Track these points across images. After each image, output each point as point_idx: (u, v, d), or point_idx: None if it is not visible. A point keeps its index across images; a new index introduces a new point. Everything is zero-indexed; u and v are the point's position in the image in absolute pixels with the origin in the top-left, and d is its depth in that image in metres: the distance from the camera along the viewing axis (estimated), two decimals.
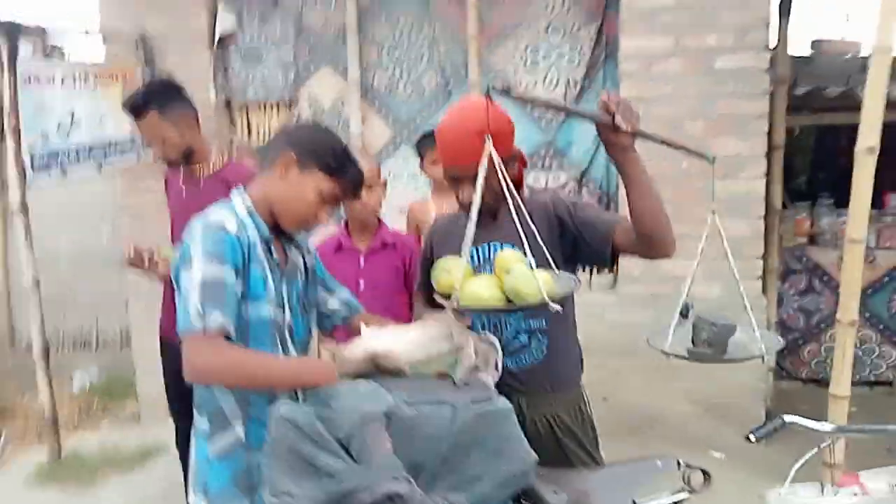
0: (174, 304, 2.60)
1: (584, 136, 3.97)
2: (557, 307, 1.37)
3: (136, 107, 2.50)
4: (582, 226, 1.72)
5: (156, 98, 2.50)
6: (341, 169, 1.64)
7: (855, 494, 1.65)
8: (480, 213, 1.48)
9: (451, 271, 1.53)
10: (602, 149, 3.90)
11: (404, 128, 4.25)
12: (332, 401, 1.24)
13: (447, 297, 1.45)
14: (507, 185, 1.49)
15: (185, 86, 4.34)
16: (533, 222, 1.72)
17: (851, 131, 5.05)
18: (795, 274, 4.46)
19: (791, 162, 4.87)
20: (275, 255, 1.66)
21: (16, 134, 3.40)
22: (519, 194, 1.80)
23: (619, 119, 1.41)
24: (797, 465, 1.73)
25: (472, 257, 1.74)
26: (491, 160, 1.40)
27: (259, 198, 1.65)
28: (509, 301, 1.44)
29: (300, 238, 1.78)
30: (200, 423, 1.65)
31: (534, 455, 1.25)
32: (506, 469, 1.21)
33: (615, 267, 3.93)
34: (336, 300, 1.88)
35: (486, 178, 1.53)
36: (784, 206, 4.20)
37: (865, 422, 3.39)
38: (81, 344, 6.53)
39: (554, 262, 1.60)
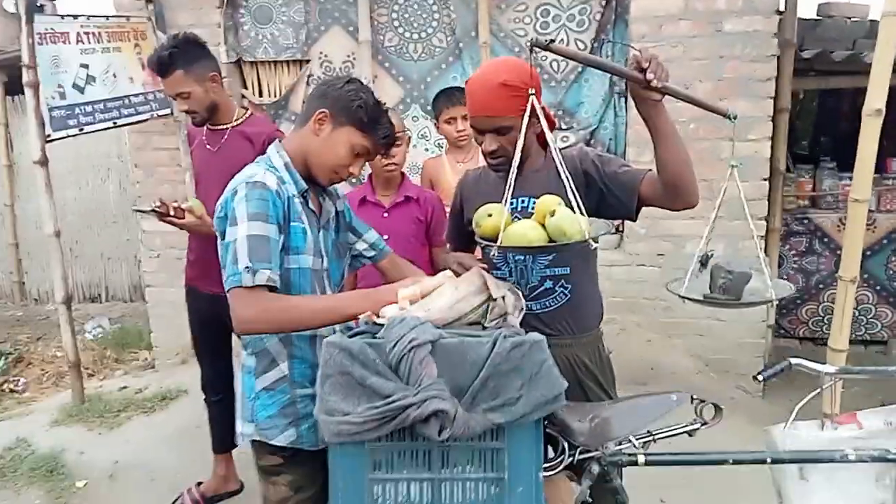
0: (205, 254, 2.72)
1: (592, 96, 4.04)
2: (596, 244, 1.48)
3: (163, 65, 2.54)
4: (609, 179, 1.79)
5: (181, 56, 2.54)
6: (373, 125, 1.72)
7: (852, 431, 1.76)
8: (511, 166, 1.58)
9: (493, 216, 1.62)
10: (610, 110, 4.03)
11: (414, 88, 4.29)
12: (382, 331, 1.34)
13: (492, 239, 1.55)
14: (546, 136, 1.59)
15: None
16: (558, 173, 1.82)
17: (854, 96, 5.16)
18: (796, 236, 4.56)
19: (794, 126, 4.94)
20: (311, 207, 1.76)
21: (34, 88, 3.44)
22: (545, 149, 1.88)
23: (650, 75, 1.49)
24: (800, 405, 1.83)
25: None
26: (530, 112, 1.48)
27: (295, 152, 1.75)
28: (550, 242, 1.53)
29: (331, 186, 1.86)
30: (247, 360, 1.74)
31: (564, 382, 1.36)
32: (539, 394, 1.32)
33: (623, 224, 4.03)
34: (364, 242, 1.99)
35: (516, 132, 1.63)
36: (787, 168, 4.28)
37: (852, 394, 3.52)
38: (90, 297, 6.64)
39: (582, 208, 1.68)
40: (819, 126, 5.38)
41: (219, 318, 2.80)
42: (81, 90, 3.69)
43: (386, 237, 2.40)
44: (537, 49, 1.45)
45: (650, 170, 1.77)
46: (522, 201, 1.83)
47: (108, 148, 6.36)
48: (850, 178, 4.37)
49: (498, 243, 1.49)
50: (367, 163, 2.42)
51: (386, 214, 2.41)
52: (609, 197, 1.80)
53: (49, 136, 3.52)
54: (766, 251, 4.03)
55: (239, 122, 2.71)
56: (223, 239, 1.63)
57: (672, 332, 4.05)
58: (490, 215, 1.63)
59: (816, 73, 4.11)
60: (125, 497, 3.15)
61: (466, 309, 1.51)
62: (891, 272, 4.56)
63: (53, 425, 3.68)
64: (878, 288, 4.57)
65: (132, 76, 4.04)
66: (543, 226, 1.58)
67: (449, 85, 4.01)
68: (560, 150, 2.01)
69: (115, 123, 3.93)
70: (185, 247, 4.45)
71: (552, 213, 1.54)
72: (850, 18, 4.43)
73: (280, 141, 1.81)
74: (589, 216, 1.81)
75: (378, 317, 1.50)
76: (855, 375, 1.82)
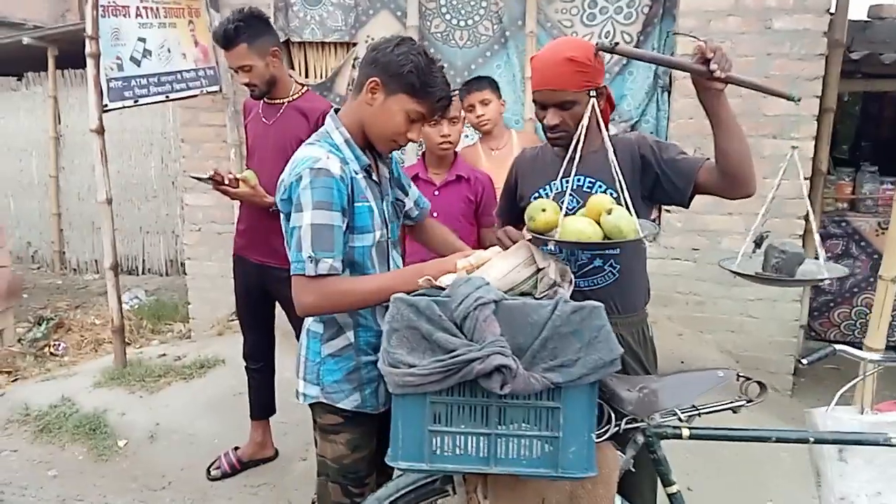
0: (255, 223, 2.80)
1: (636, 90, 4.05)
2: (650, 243, 1.52)
3: (228, 37, 2.61)
4: (666, 164, 1.83)
5: (246, 30, 2.62)
6: (426, 89, 1.68)
7: (891, 417, 1.79)
8: (568, 146, 1.65)
9: (547, 211, 1.67)
10: (653, 104, 4.05)
11: (458, 75, 4.33)
12: (448, 290, 1.41)
13: (544, 233, 1.63)
14: (599, 122, 1.67)
15: None
16: (617, 155, 1.87)
17: None
18: (833, 238, 4.55)
19: (836, 129, 4.91)
20: (374, 178, 1.79)
21: (95, 59, 3.55)
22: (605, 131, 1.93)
23: (714, 66, 1.54)
24: (842, 391, 1.87)
25: (560, 185, 1.86)
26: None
27: (352, 123, 1.75)
28: (605, 238, 1.60)
29: None
30: (314, 326, 1.80)
31: (620, 348, 1.41)
32: (596, 357, 1.37)
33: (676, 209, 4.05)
34: (410, 200, 2.03)
35: (578, 108, 1.70)
36: (828, 171, 4.27)
37: (888, 383, 3.53)
38: (128, 269, 6.81)
39: (632, 198, 1.71)
40: (861, 131, 5.34)
41: (264, 287, 2.90)
42: (138, 63, 3.80)
43: (435, 214, 2.47)
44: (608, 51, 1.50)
45: (708, 158, 1.81)
46: (578, 180, 1.88)
47: (151, 123, 6.51)
48: (892, 183, 4.41)
49: (556, 237, 1.55)
50: (422, 138, 2.50)
51: (437, 192, 2.46)
52: (665, 182, 1.84)
53: (106, 106, 3.63)
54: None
55: (295, 97, 2.79)
56: (287, 220, 1.68)
57: (704, 328, 4.07)
58: (544, 210, 1.67)
59: (864, 75, 4.09)
60: (165, 457, 3.26)
61: (518, 279, 1.56)
62: None
63: (96, 387, 3.81)
64: None
65: (185, 52, 4.15)
66: (598, 223, 1.62)
67: (492, 74, 4.07)
68: (617, 134, 2.07)
69: (167, 97, 4.04)
70: (226, 221, 4.65)
71: (609, 212, 1.59)
72: None
73: (336, 113, 1.80)
74: (642, 199, 1.87)
75: (436, 281, 1.56)
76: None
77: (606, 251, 1.88)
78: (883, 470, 1.74)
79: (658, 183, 1.86)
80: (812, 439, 1.71)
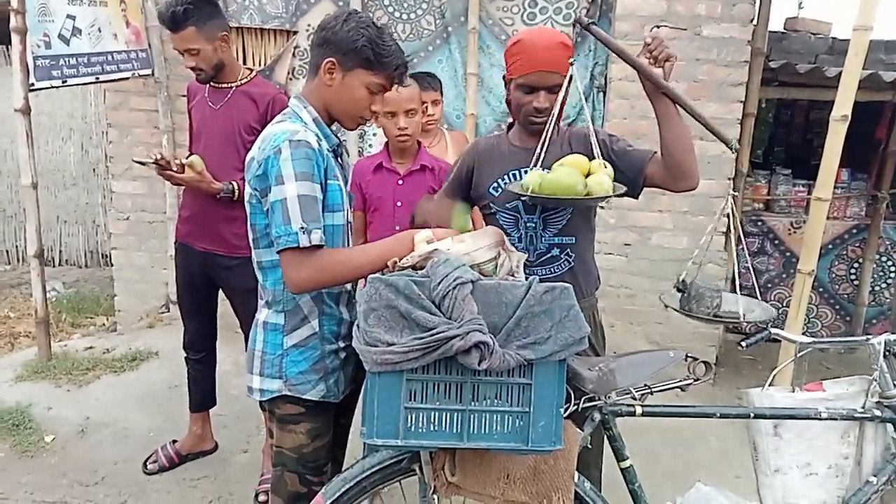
0: (200, 210, 2.73)
1: (573, 90, 4.18)
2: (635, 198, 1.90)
3: (176, 20, 2.53)
4: (618, 156, 1.93)
5: (195, 12, 2.54)
6: (381, 60, 1.68)
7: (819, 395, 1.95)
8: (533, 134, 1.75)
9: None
10: (589, 104, 4.19)
11: None
12: (427, 269, 1.44)
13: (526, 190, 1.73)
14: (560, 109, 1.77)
15: None
16: (572, 147, 1.96)
17: (809, 109, 5.48)
18: (750, 237, 4.84)
19: (753, 133, 5.22)
20: (341, 162, 1.79)
21: (21, 34, 3.38)
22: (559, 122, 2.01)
23: (654, 51, 1.71)
24: (775, 372, 2.03)
25: (519, 175, 1.95)
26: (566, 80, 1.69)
27: (317, 105, 1.74)
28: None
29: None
30: (273, 317, 1.75)
31: (587, 327, 1.48)
32: (566, 335, 1.44)
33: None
34: None
35: (558, 92, 1.83)
36: (747, 173, 4.54)
37: (802, 373, 3.81)
38: (45, 260, 6.45)
39: None
40: (774, 136, 5.69)
41: (208, 276, 2.84)
42: (67, 41, 3.63)
43: (399, 203, 2.49)
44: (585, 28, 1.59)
45: (655, 152, 1.92)
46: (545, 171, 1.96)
47: (71, 107, 6.20)
48: (803, 185, 4.72)
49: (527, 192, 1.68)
50: (382, 129, 2.51)
51: (401, 182, 2.47)
52: (616, 174, 1.91)
53: (33, 84, 3.45)
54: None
55: (244, 82, 2.74)
56: (263, 197, 1.63)
57: (634, 319, 4.26)
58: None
59: (780, 83, 4.37)
60: (97, 452, 3.14)
61: (480, 259, 1.61)
62: (833, 276, 4.89)
63: (18, 381, 3.63)
64: (821, 290, 4.89)
65: (116, 33, 3.99)
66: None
67: (433, 68, 4.11)
68: (570, 126, 2.17)
69: (97, 78, 3.88)
70: (157, 210, 4.51)
71: (590, 173, 1.75)
72: (814, 34, 4.72)
73: (299, 94, 1.78)
74: None
75: (400, 261, 1.59)
76: (826, 345, 2.01)
77: (563, 239, 1.97)
78: (811, 443, 1.89)
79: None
80: (752, 414, 1.85)
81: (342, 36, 1.66)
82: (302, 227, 1.55)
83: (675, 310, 2.07)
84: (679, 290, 2.07)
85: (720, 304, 1.99)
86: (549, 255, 1.99)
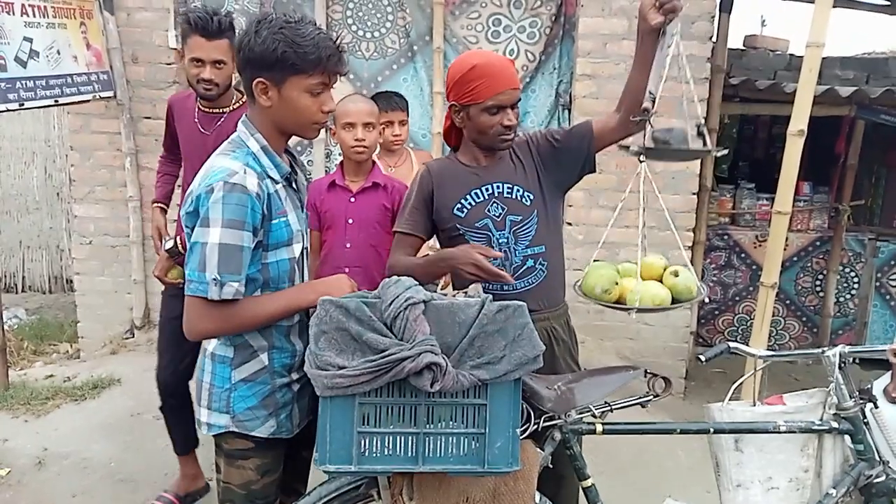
0: None
1: (538, 107, 4.23)
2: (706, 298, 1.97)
3: (217, 28, 2.43)
4: (560, 136, 2.02)
5: (230, 27, 2.47)
6: (307, 59, 1.54)
7: (779, 408, 1.96)
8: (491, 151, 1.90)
9: (611, 279, 1.95)
10: (555, 120, 4.23)
11: (364, 86, 4.36)
12: (379, 290, 1.42)
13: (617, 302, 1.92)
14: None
15: (145, 28, 4.30)
16: (520, 158, 1.99)
17: (771, 124, 5.58)
18: (716, 250, 4.89)
19: None
20: (294, 187, 1.71)
21: None
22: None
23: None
24: (735, 385, 2.03)
25: (480, 194, 1.97)
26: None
27: (264, 130, 1.63)
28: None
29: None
30: (221, 350, 1.67)
31: (542, 345, 1.47)
32: (520, 353, 1.43)
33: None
34: None
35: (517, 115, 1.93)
36: (711, 187, 4.60)
37: (769, 385, 3.85)
38: (6, 287, 6.31)
39: (544, 189, 1.99)
40: (738, 151, 5.78)
41: None
42: (24, 64, 3.57)
43: (350, 221, 2.47)
44: None
45: (590, 119, 2.05)
46: (497, 187, 1.98)
47: (33, 130, 6.10)
48: (767, 199, 4.80)
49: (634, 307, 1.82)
50: (339, 143, 2.50)
51: (352, 199, 2.45)
52: (566, 152, 2.00)
53: None
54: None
55: (237, 106, 2.63)
56: (189, 236, 1.56)
57: (604, 335, 4.26)
58: (616, 283, 1.94)
59: (741, 99, 4.45)
60: (55, 485, 3.04)
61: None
62: (799, 287, 4.95)
63: None
64: (787, 302, 4.95)
65: (76, 55, 3.94)
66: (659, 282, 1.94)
67: (398, 87, 4.12)
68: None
69: (56, 101, 3.81)
70: (120, 234, 4.43)
71: (675, 274, 1.91)
72: (772, 51, 4.82)
73: (247, 118, 1.66)
74: (556, 184, 2.04)
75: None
76: (783, 358, 2.02)
77: (535, 249, 2.00)
78: (772, 457, 1.89)
79: (558, 157, 2.01)
80: (712, 430, 1.84)
81: (259, 51, 1.53)
82: (215, 279, 1.48)
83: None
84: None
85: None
86: (525, 267, 1.99)
